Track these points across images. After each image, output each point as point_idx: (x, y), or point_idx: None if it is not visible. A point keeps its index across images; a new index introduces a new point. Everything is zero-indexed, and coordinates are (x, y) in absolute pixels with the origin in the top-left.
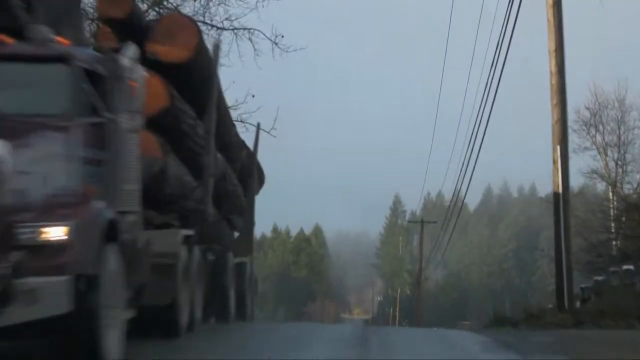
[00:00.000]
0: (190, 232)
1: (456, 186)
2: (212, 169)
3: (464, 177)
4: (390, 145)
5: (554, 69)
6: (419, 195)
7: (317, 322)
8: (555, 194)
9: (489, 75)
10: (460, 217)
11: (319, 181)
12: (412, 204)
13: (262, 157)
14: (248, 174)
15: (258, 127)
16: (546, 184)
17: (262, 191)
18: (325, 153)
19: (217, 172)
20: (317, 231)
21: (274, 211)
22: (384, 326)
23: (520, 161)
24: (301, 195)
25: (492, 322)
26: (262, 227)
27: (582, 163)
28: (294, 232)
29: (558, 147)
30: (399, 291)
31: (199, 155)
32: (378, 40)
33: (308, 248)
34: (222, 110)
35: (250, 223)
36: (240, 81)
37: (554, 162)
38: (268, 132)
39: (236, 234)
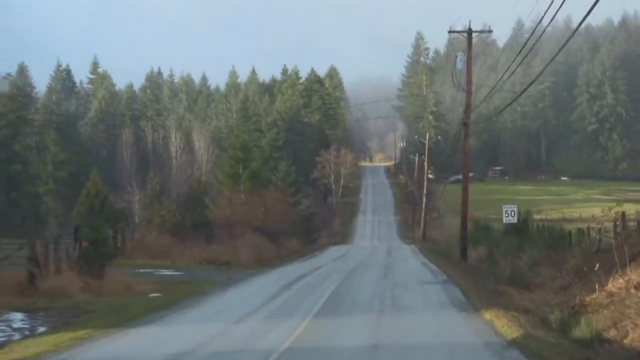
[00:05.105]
0: None
1: None
2: None
3: None
4: None
5: None
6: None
7: None
8: None
9: None
10: (489, 55)
11: (334, 20)
12: (436, 42)
13: None
14: None
15: None
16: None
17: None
18: None
19: None
20: (333, 72)
21: (284, 53)
22: None
23: None
24: (316, 36)
25: None
26: (271, 70)
27: None
28: (305, 75)
29: None
30: (427, 137)
31: None
32: None
33: (321, 90)
34: None
35: None
36: None
37: None
38: None
39: None
